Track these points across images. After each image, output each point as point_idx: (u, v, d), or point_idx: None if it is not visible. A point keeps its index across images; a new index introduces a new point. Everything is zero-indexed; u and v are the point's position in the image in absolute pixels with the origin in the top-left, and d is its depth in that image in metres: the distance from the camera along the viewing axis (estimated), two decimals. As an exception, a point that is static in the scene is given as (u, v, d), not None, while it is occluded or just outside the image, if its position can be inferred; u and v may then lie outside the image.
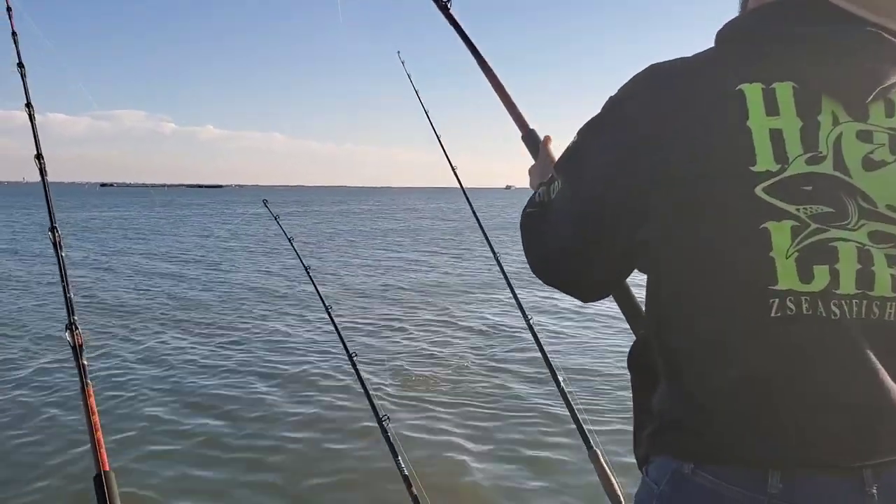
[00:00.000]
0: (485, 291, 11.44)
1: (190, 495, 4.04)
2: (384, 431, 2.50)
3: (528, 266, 1.09)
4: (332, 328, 3.10)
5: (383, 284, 12.64)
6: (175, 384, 6.17)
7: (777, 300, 0.82)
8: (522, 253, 1.11)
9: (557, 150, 1.39)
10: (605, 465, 2.22)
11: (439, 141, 3.13)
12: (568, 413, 2.40)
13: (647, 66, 0.94)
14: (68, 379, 5.93)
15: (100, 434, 1.25)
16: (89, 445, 1.25)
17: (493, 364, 6.82)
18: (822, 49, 0.86)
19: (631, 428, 1.04)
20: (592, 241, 0.97)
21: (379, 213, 48.24)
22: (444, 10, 1.63)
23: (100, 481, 1.21)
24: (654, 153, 0.88)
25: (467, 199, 3.28)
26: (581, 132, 0.99)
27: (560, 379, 2.48)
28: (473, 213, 3.26)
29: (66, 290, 1.42)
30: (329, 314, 3.10)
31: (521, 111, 1.53)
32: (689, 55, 0.94)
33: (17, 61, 1.70)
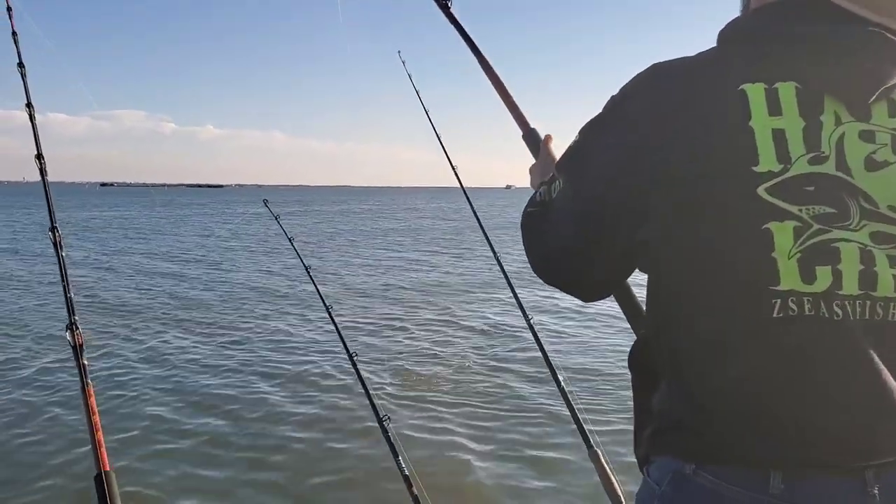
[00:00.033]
0: (486, 291, 11.44)
1: (191, 494, 4.04)
2: (384, 431, 2.50)
3: (528, 265, 1.09)
4: (332, 328, 3.10)
5: (384, 284, 12.64)
6: (176, 383, 6.17)
7: (779, 301, 0.82)
8: (523, 252, 1.11)
9: (558, 149, 1.38)
10: (605, 464, 2.22)
11: (440, 140, 3.13)
12: (568, 413, 2.40)
13: (648, 65, 0.94)
14: (69, 378, 5.94)
15: (100, 434, 1.25)
16: (90, 445, 1.25)
17: (494, 363, 6.82)
18: (822, 49, 0.86)
19: (632, 428, 1.04)
20: (593, 241, 0.97)
21: (379, 212, 48.26)
22: (445, 9, 1.63)
23: (100, 481, 1.21)
24: (654, 153, 0.88)
25: (467, 198, 3.28)
26: (583, 131, 0.99)
27: (560, 379, 2.48)
28: (474, 212, 3.26)
29: (66, 290, 1.42)
30: (329, 314, 3.10)
31: (521, 110, 1.53)
32: (692, 55, 0.94)
33: (18, 61, 1.70)
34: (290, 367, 6.71)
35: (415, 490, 2.34)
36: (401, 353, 7.33)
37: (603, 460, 2.23)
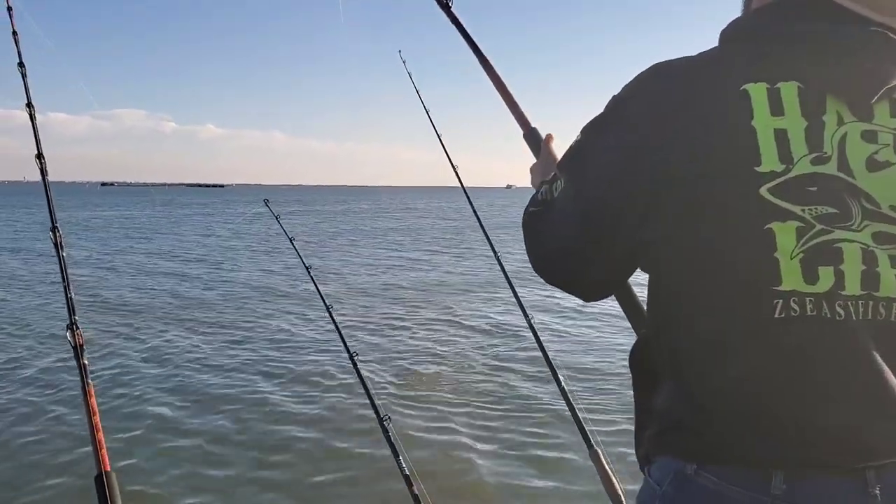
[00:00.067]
0: (486, 290, 11.44)
1: (193, 493, 4.05)
2: (385, 431, 2.50)
3: (529, 265, 1.09)
4: (333, 327, 3.10)
5: (385, 283, 12.65)
6: (178, 383, 6.18)
7: (781, 301, 0.81)
8: (524, 252, 1.11)
9: (559, 149, 1.38)
10: (605, 464, 2.22)
11: (440, 140, 3.13)
12: (569, 412, 2.40)
13: (649, 65, 0.94)
14: (71, 378, 5.94)
15: (101, 434, 1.25)
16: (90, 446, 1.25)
17: (495, 363, 6.82)
18: (821, 49, 0.86)
19: (633, 427, 1.04)
20: (593, 241, 0.97)
21: (380, 212, 48.27)
22: (446, 9, 1.63)
23: (101, 481, 1.21)
24: (654, 153, 0.88)
25: (468, 198, 3.28)
26: (584, 131, 0.99)
27: (561, 378, 2.48)
28: (474, 211, 3.26)
29: (66, 290, 1.42)
30: (330, 313, 3.10)
31: (522, 110, 1.53)
32: (694, 54, 0.93)
33: (18, 61, 1.70)
34: (290, 366, 6.72)
35: (415, 490, 2.34)
36: (402, 352, 7.33)
37: (603, 460, 2.23)
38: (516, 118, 1.54)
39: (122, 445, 4.61)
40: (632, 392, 1.05)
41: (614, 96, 0.96)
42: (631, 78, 0.95)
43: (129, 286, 12.12)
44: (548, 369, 2.60)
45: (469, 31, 1.61)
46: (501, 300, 10.13)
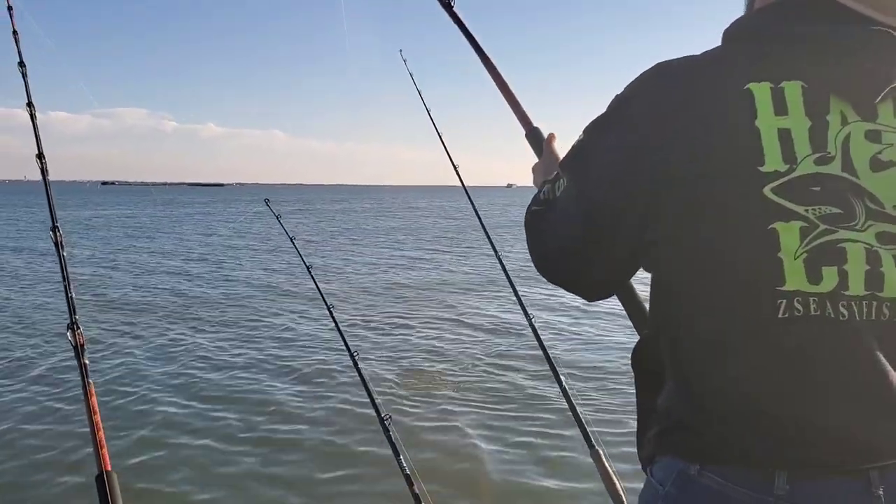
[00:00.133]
0: (488, 289, 11.45)
1: (195, 491, 4.05)
2: (385, 430, 2.49)
3: (531, 263, 1.09)
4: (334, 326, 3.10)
5: (386, 282, 12.65)
6: (180, 381, 6.19)
7: (785, 301, 0.81)
8: (525, 251, 1.11)
9: (561, 148, 1.38)
10: (607, 464, 2.21)
11: (441, 139, 3.13)
12: (570, 412, 2.40)
13: (650, 64, 0.94)
14: (73, 377, 5.95)
15: (101, 434, 1.24)
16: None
17: (496, 362, 6.82)
18: (821, 49, 0.86)
19: (635, 427, 1.03)
20: (593, 241, 0.97)
21: (381, 211, 48.28)
22: (448, 8, 1.63)
23: (101, 481, 1.21)
24: (654, 153, 0.88)
25: (469, 197, 3.27)
26: (587, 130, 0.99)
27: (562, 378, 2.47)
28: (475, 211, 3.25)
29: (67, 290, 1.42)
30: (330, 312, 3.10)
31: (524, 109, 1.53)
32: (697, 54, 0.93)
33: (19, 60, 1.70)
34: (292, 365, 6.72)
35: (416, 489, 2.33)
36: (403, 350, 7.33)
37: (604, 460, 2.22)
38: (518, 118, 1.54)
39: (126, 443, 4.62)
40: (635, 391, 1.05)
41: (617, 95, 0.96)
42: (632, 77, 0.95)
43: (132, 285, 12.14)
44: (549, 368, 2.59)
45: (471, 30, 1.61)
46: (503, 299, 10.12)
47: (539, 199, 1.09)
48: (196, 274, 13.74)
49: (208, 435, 4.89)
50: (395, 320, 9.01)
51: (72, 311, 1.38)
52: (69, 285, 1.43)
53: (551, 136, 1.44)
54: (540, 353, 2.65)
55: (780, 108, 0.84)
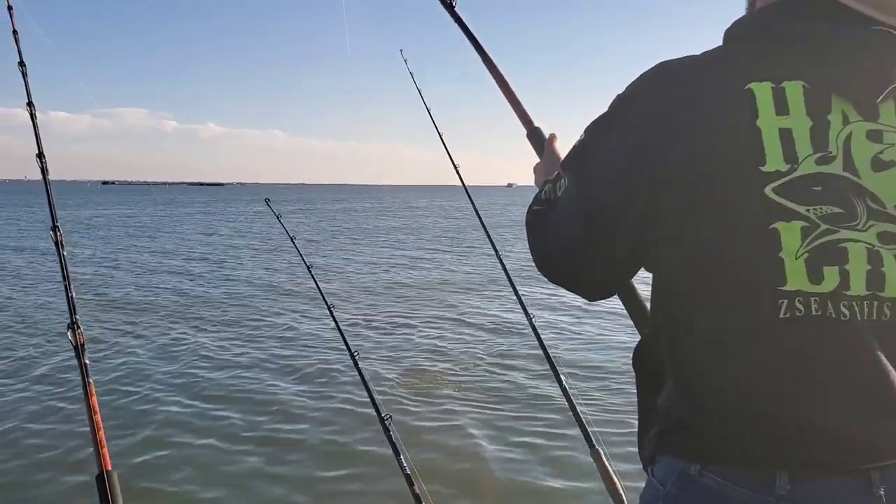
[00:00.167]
0: (489, 288, 11.45)
1: (196, 490, 4.06)
2: (386, 430, 2.49)
3: (531, 263, 1.09)
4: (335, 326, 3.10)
5: (387, 281, 12.66)
6: (182, 381, 6.20)
7: (786, 301, 0.81)
8: (525, 250, 1.11)
9: (562, 148, 1.38)
10: (607, 464, 2.21)
11: (441, 139, 3.13)
12: (571, 412, 2.39)
13: (651, 64, 0.94)
14: (76, 377, 5.95)
15: (102, 433, 1.24)
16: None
17: (497, 362, 6.82)
18: (821, 49, 0.86)
19: (636, 426, 1.03)
20: (594, 241, 0.97)
21: (381, 210, 48.28)
22: (450, 8, 1.63)
23: (101, 481, 1.21)
24: (654, 154, 0.88)
25: (469, 197, 3.27)
26: (588, 130, 0.99)
27: (562, 377, 2.47)
28: (475, 210, 3.25)
29: (67, 290, 1.42)
30: (331, 312, 3.10)
31: (525, 109, 1.53)
32: (698, 53, 0.93)
33: (19, 60, 1.70)
34: (293, 364, 6.73)
35: (416, 489, 2.33)
36: (404, 350, 7.33)
37: (605, 459, 2.22)
38: (519, 118, 1.54)
39: (128, 443, 4.63)
40: (636, 391, 1.05)
41: (618, 95, 0.96)
42: (632, 77, 0.95)
43: (134, 284, 12.16)
44: (550, 368, 2.59)
45: (473, 30, 1.61)
46: (504, 298, 10.12)
47: (540, 199, 1.09)
48: (197, 273, 13.74)
49: (210, 434, 4.89)
50: (396, 320, 9.01)
51: (72, 310, 1.38)
52: (69, 285, 1.43)
53: (552, 136, 1.44)
54: (541, 352, 2.65)
55: (782, 107, 0.84)
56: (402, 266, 15.26)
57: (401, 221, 34.60)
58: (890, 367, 0.81)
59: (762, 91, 0.85)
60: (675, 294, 0.91)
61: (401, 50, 3.19)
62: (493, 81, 1.58)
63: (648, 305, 1.05)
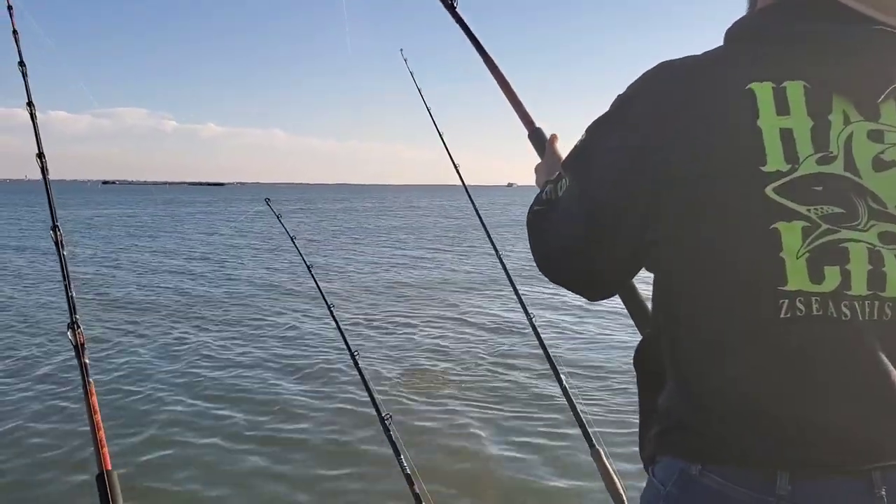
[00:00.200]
0: (490, 288, 11.45)
1: (197, 489, 4.06)
2: (386, 430, 2.49)
3: (532, 262, 1.09)
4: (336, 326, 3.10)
5: (388, 281, 12.66)
6: (184, 379, 6.21)
7: (787, 301, 0.81)
8: (526, 250, 1.11)
9: (563, 149, 1.38)
10: (607, 464, 2.21)
11: (442, 139, 3.13)
12: (571, 412, 2.39)
13: (651, 64, 0.94)
14: (78, 376, 5.95)
15: (102, 433, 1.25)
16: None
17: (498, 361, 6.82)
18: (821, 49, 0.86)
19: (636, 426, 1.03)
20: (594, 241, 0.97)
21: (382, 210, 48.29)
22: (451, 9, 1.62)
23: (102, 480, 1.21)
24: (655, 154, 0.88)
25: (469, 196, 3.27)
26: (589, 130, 0.99)
27: (563, 377, 2.47)
28: (476, 210, 3.25)
29: (67, 289, 1.42)
30: (331, 312, 3.10)
31: (527, 110, 1.53)
32: (699, 53, 0.93)
33: (19, 60, 1.70)
34: (295, 364, 6.73)
35: (416, 489, 2.33)
36: (405, 349, 7.34)
37: (605, 459, 2.22)
38: (521, 118, 1.54)
39: (131, 442, 4.64)
40: (637, 391, 1.05)
41: (619, 95, 0.96)
42: (632, 77, 0.95)
43: (135, 284, 12.17)
44: (550, 368, 2.59)
45: (474, 30, 1.61)
46: (505, 298, 10.12)
47: (541, 199, 1.09)
48: (199, 273, 13.76)
49: (212, 433, 4.90)
50: (397, 319, 9.01)
51: (72, 310, 1.38)
52: (69, 285, 1.43)
53: (554, 136, 1.44)
54: (542, 352, 2.65)
55: (783, 107, 0.84)
56: (402, 265, 15.26)
57: (401, 221, 34.61)
58: (891, 367, 0.81)
59: (763, 91, 0.85)
60: (675, 294, 0.91)
61: (401, 49, 3.19)
62: (495, 82, 1.57)
63: (649, 305, 1.04)
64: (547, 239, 1.06)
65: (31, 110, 1.61)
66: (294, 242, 3.39)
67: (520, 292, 2.92)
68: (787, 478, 0.81)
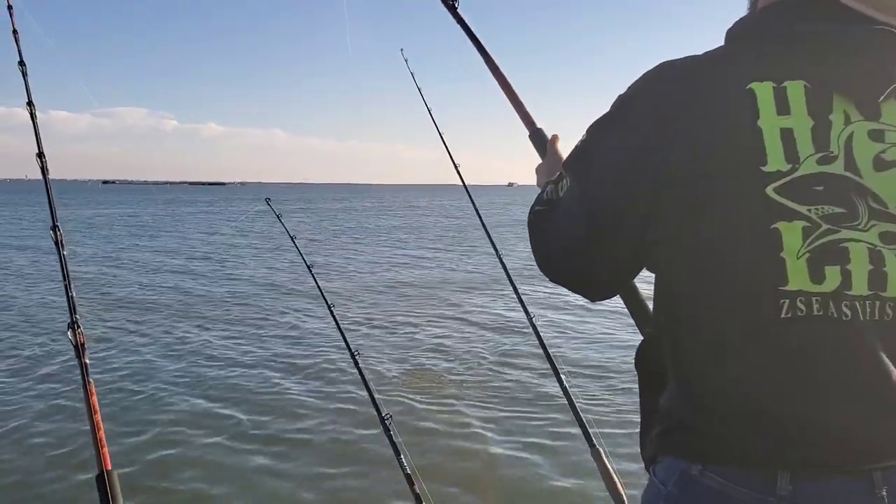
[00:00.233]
0: (491, 287, 11.45)
1: (200, 488, 4.06)
2: (386, 430, 2.49)
3: (533, 262, 1.09)
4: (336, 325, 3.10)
5: (388, 281, 12.66)
6: (187, 379, 6.22)
7: (787, 301, 0.81)
8: (526, 249, 1.11)
9: (564, 149, 1.38)
10: (607, 463, 2.21)
11: (442, 138, 3.12)
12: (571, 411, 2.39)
13: (652, 64, 0.94)
14: (76, 376, 5.95)
15: (102, 433, 1.25)
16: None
17: (499, 361, 6.82)
18: (821, 49, 0.86)
19: (637, 426, 1.03)
20: (595, 241, 0.97)
21: (382, 210, 48.29)
22: (452, 9, 1.62)
23: (102, 480, 1.21)
24: (656, 154, 0.88)
25: (470, 196, 3.27)
26: (590, 130, 0.99)
27: (563, 377, 2.47)
28: (476, 210, 3.25)
29: (67, 289, 1.42)
30: (331, 311, 3.10)
31: (528, 110, 1.53)
32: (700, 53, 0.93)
33: (19, 59, 1.70)
34: (297, 364, 6.73)
35: (416, 489, 2.33)
36: (405, 349, 7.34)
37: (605, 459, 2.22)
38: (522, 118, 1.54)
39: (134, 441, 4.64)
40: (637, 391, 1.05)
41: (620, 96, 0.96)
42: (632, 77, 0.95)
43: (137, 283, 12.19)
44: (550, 367, 2.59)
45: (475, 31, 1.61)
46: (506, 297, 10.11)
47: (542, 200, 1.08)
48: (200, 272, 13.76)
49: (214, 433, 4.90)
50: (398, 318, 9.01)
51: (72, 310, 1.38)
52: (69, 284, 1.43)
53: (555, 137, 1.44)
54: (542, 352, 2.65)
55: (783, 107, 0.84)
56: (403, 265, 15.27)
57: (402, 221, 34.61)
58: (892, 368, 0.81)
59: (763, 91, 0.85)
60: (676, 294, 0.91)
61: (401, 49, 3.19)
62: (496, 83, 1.57)
63: (650, 305, 1.04)
64: (547, 239, 1.06)
65: (31, 110, 1.61)
66: (294, 242, 3.39)
67: (520, 292, 2.92)
68: (788, 478, 0.81)
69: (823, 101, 0.84)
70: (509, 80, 1.56)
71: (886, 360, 0.81)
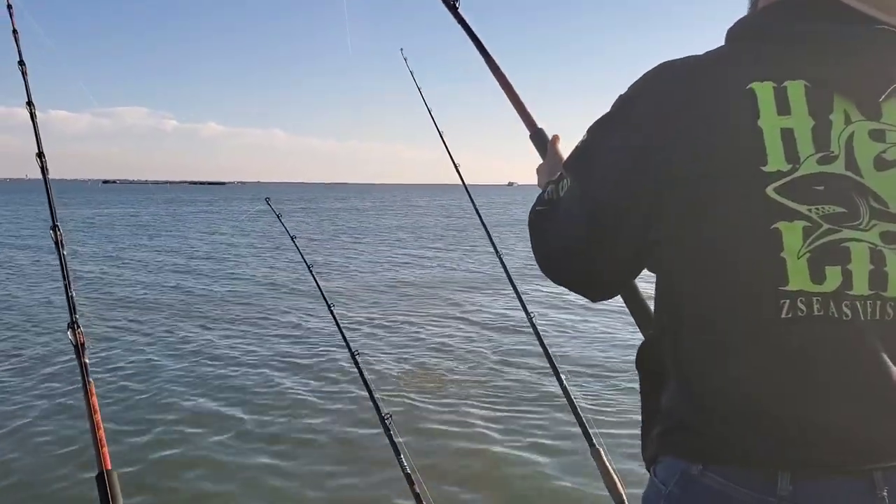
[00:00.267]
0: (491, 287, 11.45)
1: (202, 487, 4.07)
2: (386, 430, 2.49)
3: (534, 262, 1.09)
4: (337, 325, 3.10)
5: (388, 280, 12.67)
6: (189, 379, 6.22)
7: (788, 301, 0.81)
8: (526, 249, 1.11)
9: (565, 150, 1.38)
10: (607, 463, 2.21)
11: (442, 138, 3.12)
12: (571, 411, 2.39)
13: (652, 64, 0.94)
14: (76, 376, 5.95)
15: (101, 433, 1.25)
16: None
17: (499, 360, 6.82)
18: (821, 49, 0.86)
19: (637, 426, 1.03)
20: (596, 241, 0.97)
21: (382, 209, 48.29)
22: (453, 10, 1.62)
23: (101, 480, 1.21)
24: (657, 154, 0.88)
25: (470, 196, 3.27)
26: (591, 131, 0.99)
27: (562, 376, 2.47)
28: (476, 210, 3.25)
29: (67, 289, 1.42)
30: (331, 311, 3.10)
31: (529, 111, 1.53)
32: (701, 53, 0.93)
33: (19, 59, 1.70)
34: (297, 364, 6.74)
35: (416, 489, 2.33)
36: (406, 348, 7.34)
37: (605, 459, 2.22)
38: (523, 119, 1.53)
39: (136, 441, 4.64)
40: (637, 391, 1.05)
41: (620, 96, 0.96)
42: (632, 77, 0.95)
43: (138, 282, 12.20)
44: (550, 367, 2.59)
45: (476, 31, 1.61)
46: (507, 296, 10.10)
47: (543, 200, 1.08)
48: (201, 272, 13.77)
49: (215, 432, 4.90)
50: (398, 318, 9.02)
51: (72, 309, 1.38)
52: (69, 284, 1.43)
53: (556, 137, 1.44)
54: (542, 352, 2.65)
55: (783, 107, 0.84)
56: (403, 264, 15.27)
57: (402, 220, 34.60)
58: (892, 368, 0.81)
59: (764, 91, 0.85)
60: (677, 294, 0.91)
61: (401, 49, 3.18)
62: (496, 83, 1.57)
63: (651, 305, 1.04)
64: (548, 239, 1.06)
65: (30, 109, 1.61)
66: (294, 242, 3.39)
67: (520, 291, 2.92)
68: (789, 478, 0.81)
69: (824, 101, 0.84)
70: (510, 80, 1.55)
71: (887, 361, 0.81)
